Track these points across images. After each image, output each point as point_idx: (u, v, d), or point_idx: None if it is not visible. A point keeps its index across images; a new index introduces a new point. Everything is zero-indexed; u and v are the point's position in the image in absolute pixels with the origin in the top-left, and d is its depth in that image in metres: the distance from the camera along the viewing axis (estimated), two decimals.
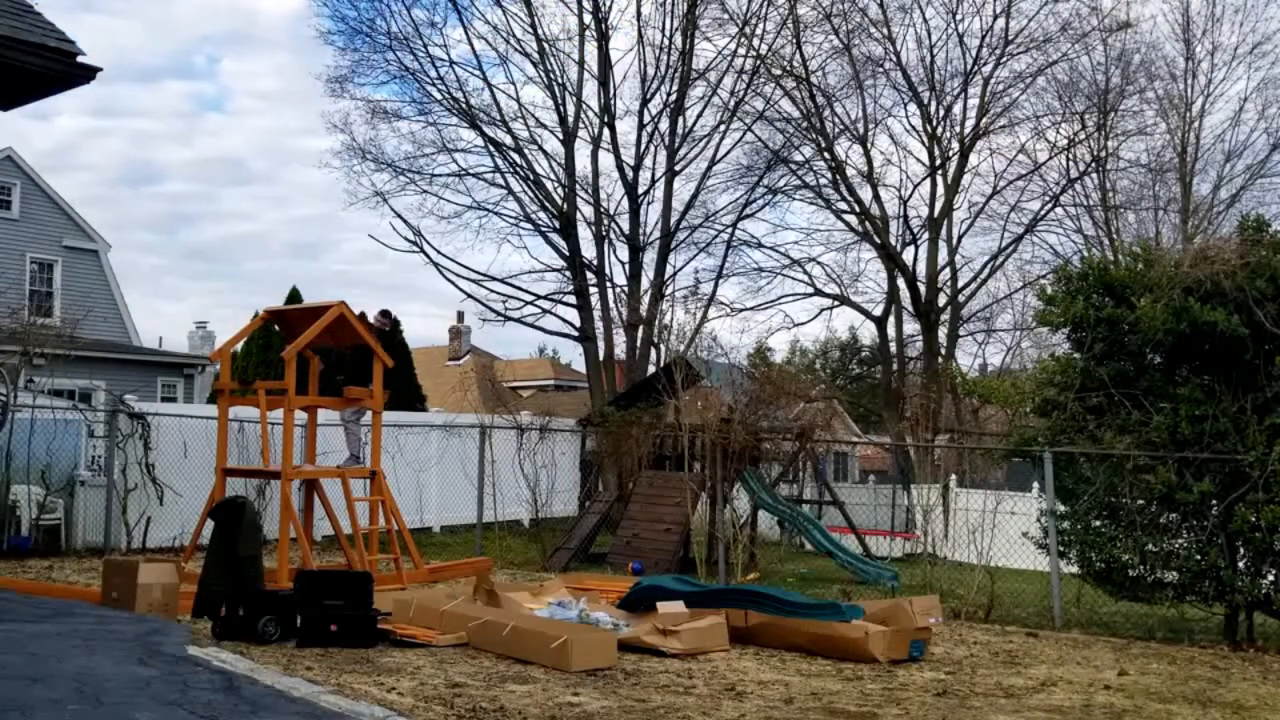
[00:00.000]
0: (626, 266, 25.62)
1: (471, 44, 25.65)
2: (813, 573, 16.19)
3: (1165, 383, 11.40)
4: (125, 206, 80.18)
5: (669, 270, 25.97)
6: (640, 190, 25.52)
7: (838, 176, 26.99)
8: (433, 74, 25.11)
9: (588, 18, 25.22)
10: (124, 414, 15.95)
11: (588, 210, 25.68)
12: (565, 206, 25.20)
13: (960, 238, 29.03)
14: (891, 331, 29.16)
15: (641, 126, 25.59)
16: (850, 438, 35.75)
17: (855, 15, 26.25)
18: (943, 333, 28.50)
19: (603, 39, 25.35)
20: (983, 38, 26.96)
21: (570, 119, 25.34)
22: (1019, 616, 12.25)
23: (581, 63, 25.44)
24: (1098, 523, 11.67)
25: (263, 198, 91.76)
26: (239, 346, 22.85)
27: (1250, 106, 29.56)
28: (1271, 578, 10.91)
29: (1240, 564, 11.01)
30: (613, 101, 25.63)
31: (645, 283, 25.66)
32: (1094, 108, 27.60)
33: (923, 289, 27.66)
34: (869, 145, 27.24)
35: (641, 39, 25.50)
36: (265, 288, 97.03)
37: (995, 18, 26.63)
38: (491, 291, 25.49)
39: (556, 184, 25.51)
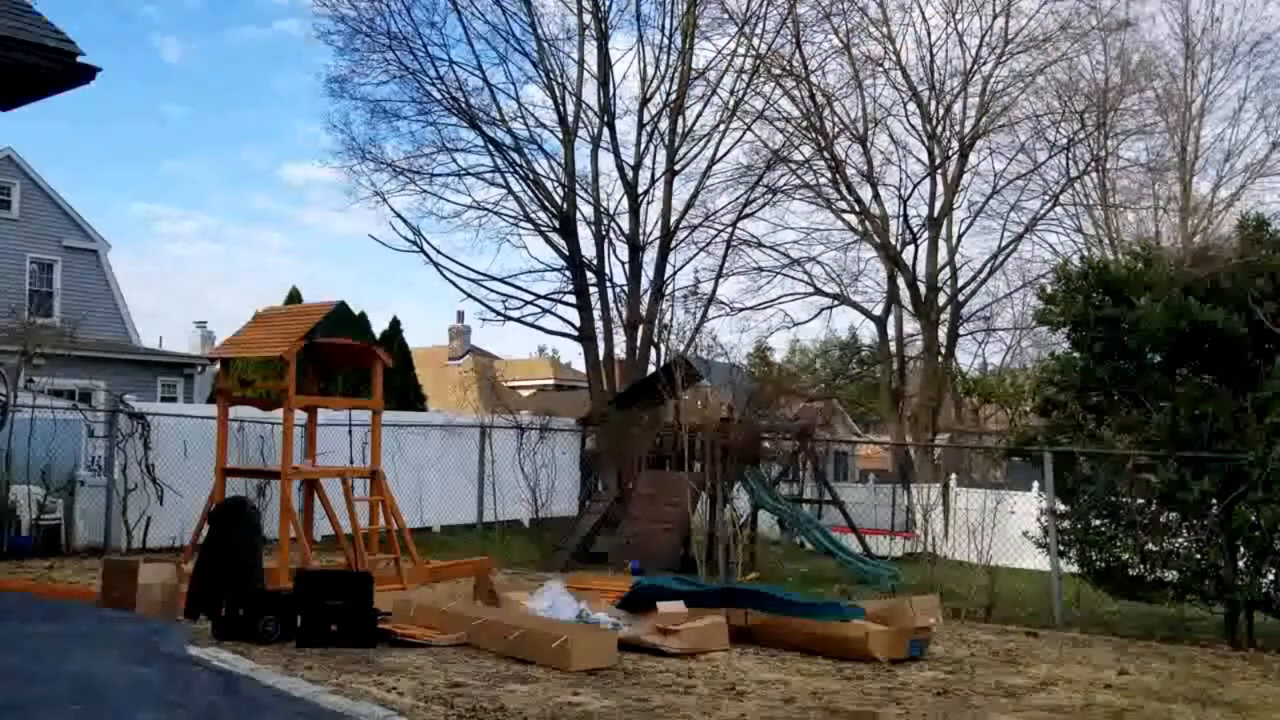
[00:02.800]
0: (626, 266, 25.57)
1: (471, 44, 25.63)
2: (813, 573, 16.17)
3: (1165, 382, 11.40)
4: None
5: (669, 270, 25.91)
6: (640, 190, 25.48)
7: (838, 176, 26.96)
8: (432, 74, 25.06)
9: (587, 17, 25.21)
10: (124, 414, 15.95)
11: (588, 210, 25.66)
12: (565, 206, 25.16)
13: (960, 237, 29.02)
14: (891, 331, 29.11)
15: (641, 126, 25.57)
16: (850, 437, 35.76)
17: (855, 15, 26.28)
18: (943, 332, 28.46)
19: (603, 39, 25.33)
20: (982, 37, 26.98)
21: (570, 119, 25.32)
22: (1019, 616, 12.24)
23: (581, 62, 25.43)
24: (1098, 522, 11.67)
25: None
26: None
27: (1250, 106, 29.62)
28: (1271, 577, 10.91)
29: (1240, 563, 11.02)
30: (612, 101, 25.61)
31: (645, 282, 25.61)
32: (1094, 107, 27.57)
33: (923, 288, 27.63)
34: (869, 145, 27.24)
35: (641, 39, 25.53)
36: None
37: (995, 17, 26.65)
38: (491, 291, 25.49)
39: (556, 184, 25.48)
